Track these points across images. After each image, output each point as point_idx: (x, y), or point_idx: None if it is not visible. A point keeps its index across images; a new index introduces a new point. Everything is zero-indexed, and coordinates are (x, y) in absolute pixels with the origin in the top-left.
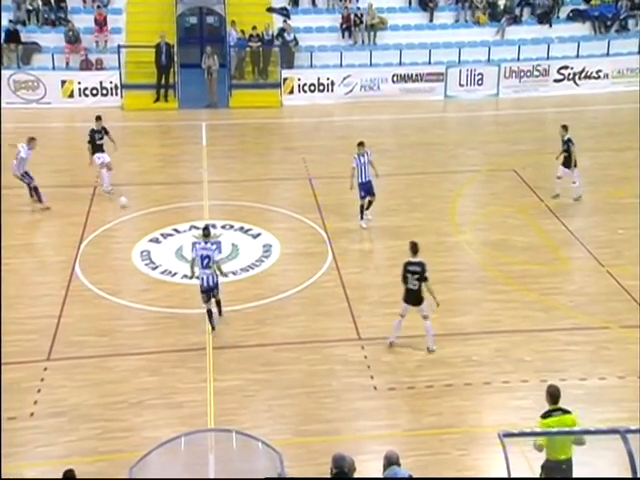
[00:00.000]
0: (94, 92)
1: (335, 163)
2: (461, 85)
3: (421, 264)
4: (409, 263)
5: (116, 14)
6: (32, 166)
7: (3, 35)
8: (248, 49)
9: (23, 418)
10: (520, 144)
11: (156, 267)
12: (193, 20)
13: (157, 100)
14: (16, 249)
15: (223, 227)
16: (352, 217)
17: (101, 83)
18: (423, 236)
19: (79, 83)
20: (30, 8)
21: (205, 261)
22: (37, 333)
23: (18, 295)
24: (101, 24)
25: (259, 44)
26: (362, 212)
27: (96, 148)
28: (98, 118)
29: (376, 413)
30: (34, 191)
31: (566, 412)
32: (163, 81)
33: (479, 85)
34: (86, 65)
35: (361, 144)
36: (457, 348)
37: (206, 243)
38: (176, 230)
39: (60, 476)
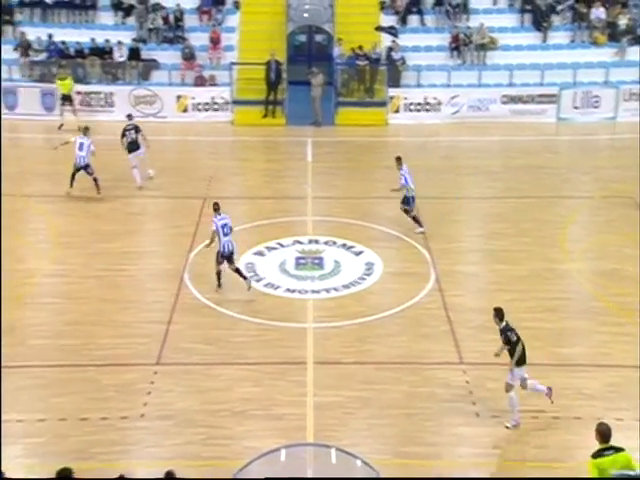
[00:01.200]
0: (206, 107)
1: (440, 183)
2: (575, 107)
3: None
4: (509, 327)
5: (229, 32)
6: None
7: (127, 52)
8: (355, 67)
9: (134, 418)
10: (638, 170)
11: (260, 279)
12: (302, 38)
13: (265, 116)
14: (132, 256)
15: (326, 243)
16: (456, 238)
17: (213, 98)
18: (531, 262)
19: (193, 98)
20: (151, 27)
21: (225, 229)
22: (148, 337)
23: (132, 300)
24: (215, 42)
25: (366, 62)
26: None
27: (131, 147)
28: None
29: (478, 440)
30: (95, 182)
31: (619, 450)
32: (272, 97)
33: (595, 107)
34: (200, 81)
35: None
36: (565, 380)
37: (220, 214)
38: (280, 244)
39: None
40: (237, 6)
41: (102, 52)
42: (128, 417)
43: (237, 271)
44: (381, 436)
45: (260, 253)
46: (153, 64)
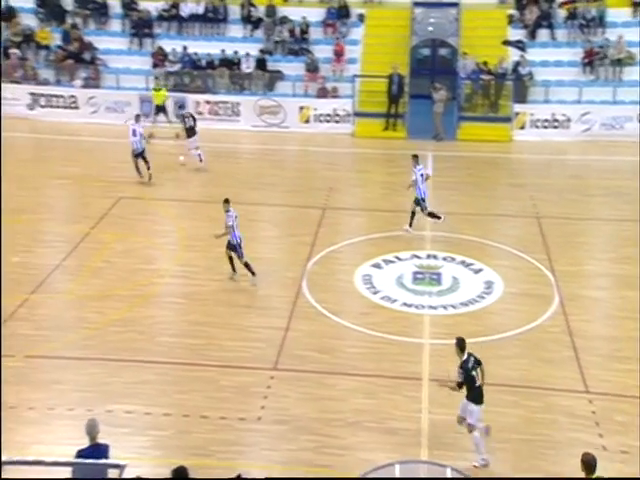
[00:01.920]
0: (328, 119)
1: (566, 203)
2: None
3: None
4: (472, 357)
5: (353, 45)
6: (268, 186)
7: (254, 63)
8: (480, 82)
9: (251, 420)
10: None
11: (377, 292)
12: (426, 52)
13: (386, 129)
14: (252, 262)
15: (444, 259)
16: (582, 261)
17: (335, 110)
18: None
19: (315, 109)
20: (277, 39)
21: (235, 222)
22: (266, 342)
23: (252, 305)
24: (339, 54)
25: (491, 77)
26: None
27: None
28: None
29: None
30: (147, 168)
31: None
32: (393, 110)
33: None
34: (323, 93)
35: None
36: None
37: (230, 210)
38: (398, 257)
39: None
40: (362, 19)
41: (231, 63)
42: (245, 419)
43: (231, 260)
44: (498, 460)
45: (377, 265)
46: (278, 75)
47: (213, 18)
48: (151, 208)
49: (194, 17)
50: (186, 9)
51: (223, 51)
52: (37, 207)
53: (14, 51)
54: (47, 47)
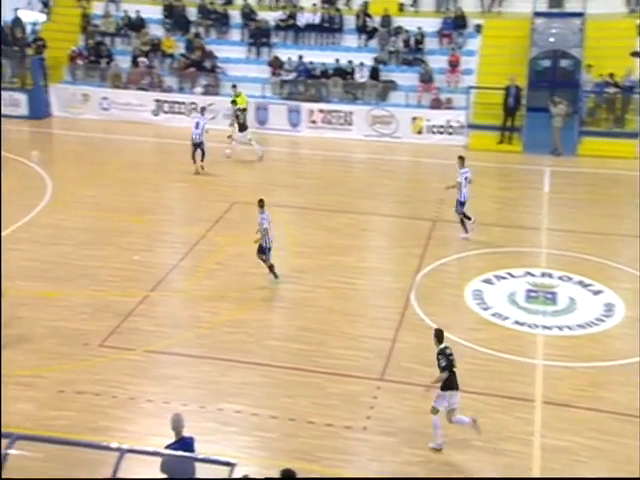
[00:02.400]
0: (441, 130)
1: None
2: None
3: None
4: (446, 350)
5: (469, 56)
6: (379, 196)
7: (367, 73)
8: (604, 95)
9: (357, 429)
10: None
11: (487, 308)
12: (546, 63)
13: (501, 142)
14: (361, 270)
15: (560, 278)
16: None
17: (448, 122)
18: None
19: (428, 120)
20: (392, 49)
21: (271, 225)
22: (373, 352)
23: (360, 314)
24: (454, 65)
25: (617, 90)
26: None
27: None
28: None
29: None
30: (202, 159)
31: None
32: (509, 123)
33: None
34: (436, 104)
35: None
36: None
37: (265, 212)
38: (510, 274)
39: None
40: (479, 30)
41: (344, 73)
42: (351, 427)
43: (270, 267)
44: None
45: (488, 281)
46: (391, 85)
47: (329, 28)
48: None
49: (310, 27)
50: (302, 19)
51: (337, 60)
52: (158, 208)
53: (142, 59)
54: (172, 55)
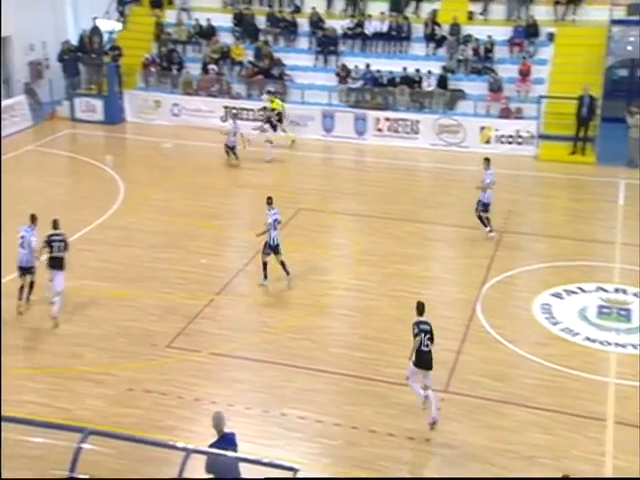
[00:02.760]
0: (510, 140)
1: None
2: None
3: (430, 324)
4: (421, 322)
5: (541, 65)
6: (445, 206)
7: (435, 82)
8: None
9: (419, 441)
10: None
11: (557, 323)
12: (622, 73)
13: (573, 153)
14: (426, 280)
15: (635, 294)
16: None
17: (518, 132)
18: None
19: (497, 130)
20: (460, 58)
21: (275, 223)
22: (437, 363)
23: None
24: (525, 74)
25: None
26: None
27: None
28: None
29: None
30: (235, 155)
31: None
32: (582, 134)
33: None
34: (505, 113)
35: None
36: None
37: (273, 209)
38: (581, 289)
39: None
40: (551, 38)
41: (412, 81)
42: (414, 439)
43: (282, 264)
44: None
45: (558, 295)
46: (459, 94)
47: (396, 36)
48: (329, 221)
49: (378, 35)
50: (370, 27)
51: (405, 69)
52: (225, 213)
53: (212, 67)
54: (240, 63)
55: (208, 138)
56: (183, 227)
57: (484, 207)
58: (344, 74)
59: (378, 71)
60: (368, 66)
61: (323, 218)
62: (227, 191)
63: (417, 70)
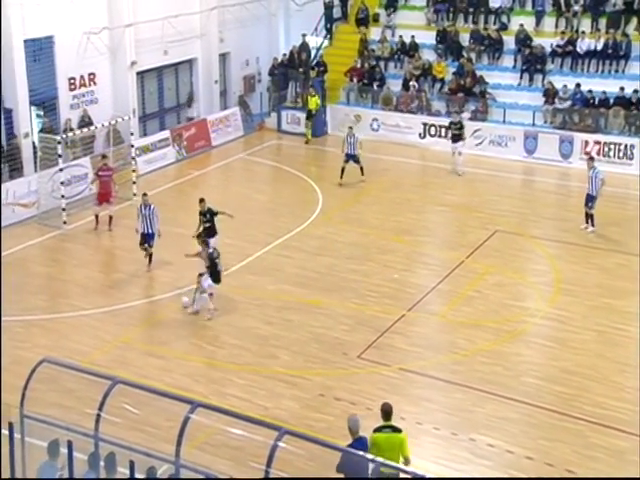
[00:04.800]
0: None
1: None
2: None
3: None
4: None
5: None
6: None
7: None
8: None
9: None
10: None
11: None
12: None
13: None
14: (634, 316)
15: None
16: None
17: None
18: None
19: None
20: None
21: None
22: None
23: (630, 363)
24: None
25: None
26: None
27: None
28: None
29: None
30: (361, 170)
31: (396, 430)
32: None
33: None
34: None
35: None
36: None
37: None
38: None
39: None
40: None
41: (628, 102)
42: None
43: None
44: None
45: None
46: None
47: (612, 55)
48: (527, 245)
49: (590, 53)
50: (583, 45)
51: (622, 89)
52: (419, 230)
53: (413, 83)
54: (442, 80)
55: (404, 154)
56: (376, 240)
57: (591, 200)
58: (551, 94)
59: (590, 91)
60: (578, 85)
61: (520, 242)
62: (421, 207)
63: (635, 91)
